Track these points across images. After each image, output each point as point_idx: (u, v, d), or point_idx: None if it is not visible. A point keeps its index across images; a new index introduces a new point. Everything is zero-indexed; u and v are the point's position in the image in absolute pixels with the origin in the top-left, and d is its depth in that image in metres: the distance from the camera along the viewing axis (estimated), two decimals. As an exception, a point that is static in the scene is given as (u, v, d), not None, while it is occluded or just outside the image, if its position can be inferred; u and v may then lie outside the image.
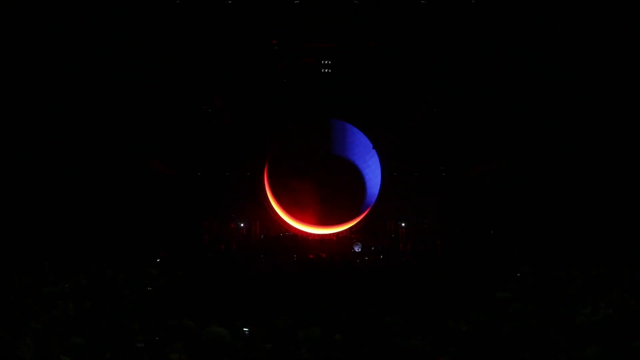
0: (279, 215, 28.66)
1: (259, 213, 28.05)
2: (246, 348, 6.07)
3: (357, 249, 26.34)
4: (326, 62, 23.02)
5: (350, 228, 28.47)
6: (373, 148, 28.30)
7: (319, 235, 28.15)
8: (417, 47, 22.56)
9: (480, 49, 22.46)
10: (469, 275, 12.79)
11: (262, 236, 27.50)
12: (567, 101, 20.55)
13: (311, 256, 22.05)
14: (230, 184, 27.73)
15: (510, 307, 8.00)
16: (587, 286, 10.38)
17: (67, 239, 19.83)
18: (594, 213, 20.43)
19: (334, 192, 28.25)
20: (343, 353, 5.93)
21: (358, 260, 21.43)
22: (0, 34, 17.15)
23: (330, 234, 28.31)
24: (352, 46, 22.57)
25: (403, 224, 28.32)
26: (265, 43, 22.32)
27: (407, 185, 28.10)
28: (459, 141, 26.36)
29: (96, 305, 8.42)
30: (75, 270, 13.40)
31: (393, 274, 13.45)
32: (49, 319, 7.36)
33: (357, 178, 29.31)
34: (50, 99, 20.02)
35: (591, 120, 20.30)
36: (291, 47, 22.67)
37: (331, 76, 24.28)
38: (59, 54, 19.69)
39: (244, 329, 6.49)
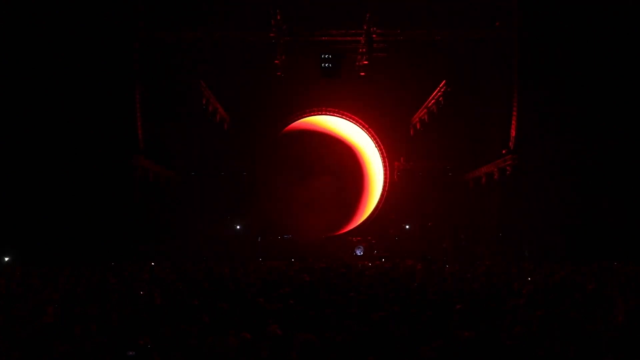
0: (277, 216, 28.61)
1: (256, 214, 27.97)
2: (242, 356, 6.05)
3: (358, 252, 26.30)
4: (327, 56, 22.96)
5: (352, 230, 28.46)
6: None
7: (318, 237, 28.06)
8: (420, 46, 22.63)
9: (483, 48, 22.58)
10: (476, 279, 12.75)
11: (258, 238, 27.42)
12: (571, 102, 20.66)
13: (310, 260, 21.99)
14: (227, 185, 27.63)
15: (520, 313, 7.97)
16: (600, 291, 10.33)
17: (58, 241, 19.78)
18: (605, 213, 20.43)
19: (335, 193, 28.19)
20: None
21: (360, 264, 21.36)
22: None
23: (330, 237, 28.26)
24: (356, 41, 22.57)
25: (407, 226, 28.27)
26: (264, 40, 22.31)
27: (411, 185, 28.06)
28: (464, 141, 26.35)
29: (86, 312, 8.39)
30: (66, 274, 13.37)
31: (396, 278, 13.39)
32: (37, 326, 7.34)
33: (359, 180, 29.26)
34: (44, 98, 20.06)
35: (595, 120, 20.43)
36: (291, 43, 22.64)
37: (333, 74, 24.18)
38: (57, 53, 19.76)
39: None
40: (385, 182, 28.91)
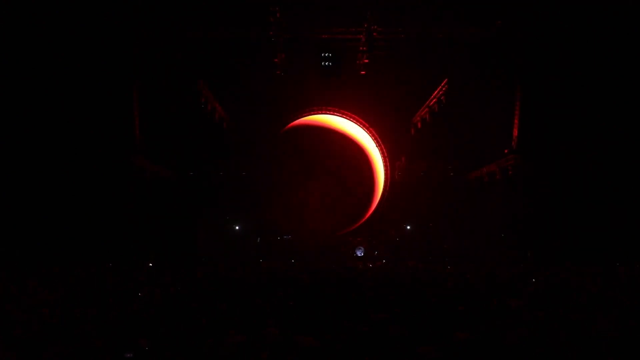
0: (276, 217, 28.57)
1: (255, 215, 27.86)
2: (242, 357, 6.06)
3: (359, 253, 26.30)
4: (327, 54, 22.89)
5: (352, 231, 28.42)
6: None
7: (318, 238, 28.04)
8: (421, 45, 22.63)
9: (485, 47, 22.59)
10: (478, 280, 12.76)
11: (258, 239, 27.38)
12: (573, 101, 20.67)
13: (310, 260, 22.01)
14: (226, 185, 27.54)
15: (522, 315, 7.98)
16: (603, 293, 10.34)
17: (57, 241, 19.79)
18: (607, 214, 20.43)
19: (335, 194, 28.14)
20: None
21: (360, 265, 21.38)
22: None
23: (330, 237, 28.22)
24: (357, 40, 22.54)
25: (408, 227, 28.23)
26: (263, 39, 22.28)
27: (412, 185, 28.02)
28: (466, 140, 26.33)
29: (85, 312, 8.40)
30: (65, 274, 13.39)
31: (397, 279, 13.41)
32: (33, 327, 7.34)
33: (359, 180, 29.22)
34: (42, 97, 20.08)
35: (596, 120, 20.47)
36: (290, 41, 22.60)
37: (334, 72, 24.11)
38: (56, 53, 19.77)
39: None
40: (386, 182, 28.86)
